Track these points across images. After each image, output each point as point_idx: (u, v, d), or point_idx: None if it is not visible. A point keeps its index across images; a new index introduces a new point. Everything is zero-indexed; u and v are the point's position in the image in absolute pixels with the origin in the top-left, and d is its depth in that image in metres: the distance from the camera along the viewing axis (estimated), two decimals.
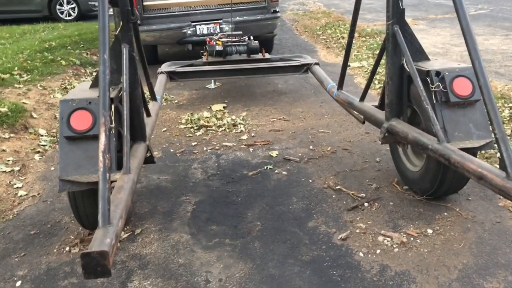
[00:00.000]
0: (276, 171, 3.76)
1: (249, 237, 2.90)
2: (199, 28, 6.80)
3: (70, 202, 2.78)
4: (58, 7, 13.84)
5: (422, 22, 10.29)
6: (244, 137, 4.50)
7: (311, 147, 4.19)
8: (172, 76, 5.15)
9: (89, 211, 2.76)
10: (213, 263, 2.68)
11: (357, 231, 2.90)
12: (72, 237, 3.00)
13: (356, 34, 9.22)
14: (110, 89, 2.79)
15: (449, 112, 2.75)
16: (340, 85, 4.16)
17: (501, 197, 3.15)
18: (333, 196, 3.33)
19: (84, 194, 2.68)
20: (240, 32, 5.72)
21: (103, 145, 1.98)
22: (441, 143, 2.57)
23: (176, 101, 5.82)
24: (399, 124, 3.04)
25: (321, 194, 3.36)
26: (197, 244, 2.86)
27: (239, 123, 4.83)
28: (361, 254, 2.68)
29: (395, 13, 2.96)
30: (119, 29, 2.78)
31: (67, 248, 2.89)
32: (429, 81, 2.81)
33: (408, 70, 2.96)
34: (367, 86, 3.67)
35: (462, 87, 2.74)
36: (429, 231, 2.86)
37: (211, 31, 6.81)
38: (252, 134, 4.55)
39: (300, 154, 4.04)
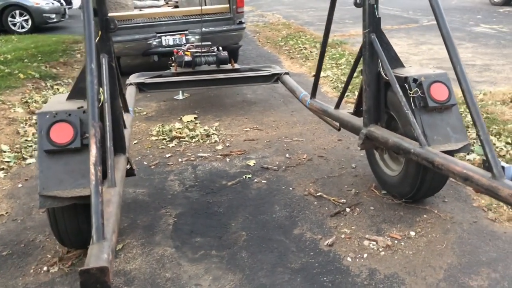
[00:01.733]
0: (255, 180, 3.75)
1: (235, 248, 2.87)
2: (165, 39, 6.74)
3: (49, 219, 2.65)
4: (10, 19, 13.33)
5: None
6: (219, 147, 4.47)
7: (287, 155, 4.21)
8: (141, 87, 5.06)
9: (69, 228, 2.65)
10: (201, 275, 2.62)
11: (342, 236, 2.93)
12: (50, 256, 2.87)
13: (318, 45, 9.42)
14: None
15: (428, 116, 2.83)
16: (313, 94, 4.21)
17: (477, 198, 3.29)
18: (315, 203, 3.35)
19: (65, 210, 2.58)
20: (209, 43, 5.71)
21: (94, 157, 1.91)
22: (423, 147, 2.64)
23: (145, 112, 5.72)
24: (378, 129, 3.11)
25: (303, 201, 3.37)
26: (183, 257, 2.79)
27: (213, 134, 4.79)
28: (349, 259, 2.71)
29: (372, 22, 3.03)
30: (97, 38, 2.71)
31: (45, 268, 2.75)
32: (407, 87, 2.89)
33: (385, 77, 3.04)
34: (342, 94, 3.74)
35: (439, 92, 2.83)
36: (412, 233, 2.93)
37: (177, 42, 6.76)
38: (227, 144, 4.53)
39: (277, 163, 4.05)
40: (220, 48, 5.71)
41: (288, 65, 8.12)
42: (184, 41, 6.76)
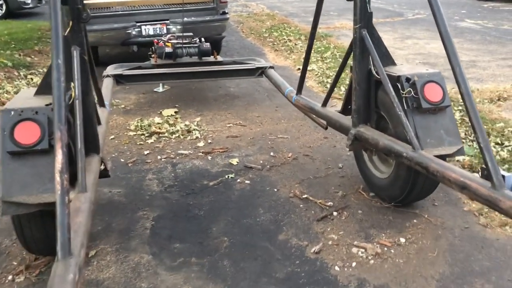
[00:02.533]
0: (238, 180, 3.58)
1: (217, 255, 2.70)
2: (145, 29, 6.48)
3: (14, 225, 2.44)
4: None
5: None
6: (201, 144, 4.28)
7: (271, 153, 4.04)
8: (119, 79, 4.82)
9: (36, 235, 2.44)
10: (180, 286, 2.45)
11: (330, 243, 2.78)
12: (15, 263, 2.66)
13: (303, 37, 9.26)
14: None
15: (421, 118, 2.69)
16: (299, 90, 4.05)
17: (468, 202, 3.18)
18: (301, 205, 3.19)
19: (30, 216, 2.37)
20: (191, 34, 5.48)
21: (61, 164, 1.71)
22: (416, 151, 2.50)
23: (123, 106, 5.48)
24: (368, 130, 2.96)
25: (288, 204, 3.22)
26: (160, 265, 2.62)
27: (194, 129, 4.60)
28: (337, 268, 2.56)
29: (363, 17, 2.87)
30: (68, 29, 2.49)
31: (10, 277, 2.55)
32: (399, 86, 2.74)
33: (376, 75, 2.89)
34: (330, 92, 3.59)
35: (433, 93, 2.69)
36: (402, 240, 2.80)
37: (158, 32, 6.51)
38: (209, 141, 4.34)
39: (261, 162, 3.88)
40: (203, 39, 5.50)
41: (272, 57, 7.93)
42: (165, 31, 6.52)
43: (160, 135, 4.50)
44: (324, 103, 3.62)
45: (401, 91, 2.72)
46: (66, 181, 1.69)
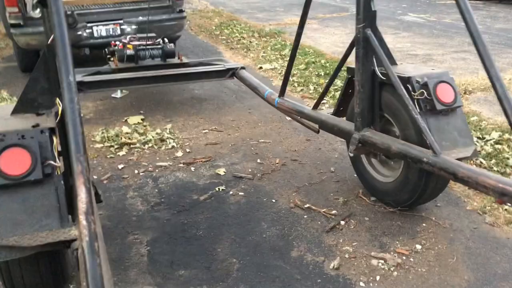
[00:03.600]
0: (231, 192, 3.34)
1: (230, 280, 2.46)
2: (97, 30, 6.00)
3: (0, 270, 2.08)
4: None
5: (314, 21, 10.47)
6: (179, 154, 3.98)
7: (258, 160, 3.83)
8: (79, 87, 4.38)
9: (29, 281, 2.09)
10: None
11: (346, 256, 2.63)
12: None
13: (256, 34, 9.08)
14: (45, 115, 2.19)
15: (434, 120, 2.60)
16: (282, 92, 3.87)
17: (469, 200, 3.15)
18: (305, 216, 3.02)
19: (22, 259, 2.02)
20: (154, 34, 5.12)
21: (85, 203, 1.41)
22: (438, 155, 2.40)
23: (82, 114, 5.03)
24: (375, 134, 2.84)
25: (291, 215, 3.03)
26: None
27: (168, 138, 4.28)
28: (362, 284, 2.42)
29: (367, 16, 2.74)
30: (51, 37, 2.14)
31: None
32: (410, 88, 2.63)
33: (381, 76, 2.77)
34: (323, 94, 3.44)
35: (445, 94, 2.61)
36: (418, 246, 2.70)
37: (111, 33, 6.06)
38: (187, 150, 4.05)
39: (250, 170, 3.66)
40: (166, 40, 5.16)
41: (229, 56, 7.68)
42: (118, 31, 6.08)
43: (131, 146, 4.15)
44: (316, 106, 3.47)
45: (413, 93, 2.61)
46: (94, 224, 1.40)
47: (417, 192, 2.81)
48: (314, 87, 5.67)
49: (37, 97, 2.23)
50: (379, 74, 2.78)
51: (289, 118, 4.70)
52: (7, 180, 1.88)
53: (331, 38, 8.61)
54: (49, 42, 2.15)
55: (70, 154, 1.52)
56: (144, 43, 4.88)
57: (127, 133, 4.39)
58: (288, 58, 7.09)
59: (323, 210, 3.06)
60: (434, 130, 2.57)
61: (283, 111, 3.90)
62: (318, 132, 3.51)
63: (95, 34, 6.01)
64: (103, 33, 6.05)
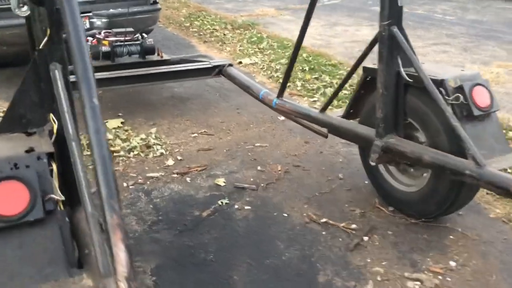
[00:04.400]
0: (236, 206, 3.03)
1: None
2: None
3: None
4: None
5: (286, 12, 10.20)
6: (170, 162, 3.62)
7: (258, 167, 3.53)
8: None
9: None
10: None
11: (379, 278, 2.38)
12: None
13: (229, 26, 8.71)
14: (37, 135, 1.81)
15: (471, 127, 2.38)
16: (281, 93, 3.58)
17: (490, 207, 2.97)
18: (323, 233, 2.75)
19: None
20: (132, 29, 4.69)
21: (126, 267, 1.09)
22: (482, 167, 2.18)
23: None
24: (402, 142, 2.60)
25: (308, 232, 2.76)
26: None
27: (154, 144, 3.91)
28: None
29: (393, 12, 2.48)
30: (44, 40, 1.76)
31: None
32: (443, 92, 2.40)
33: (407, 78, 2.53)
34: (334, 96, 3.17)
35: (482, 98, 2.39)
36: (452, 263, 2.49)
37: None
38: (178, 157, 3.69)
39: (251, 179, 3.36)
40: (145, 35, 4.75)
41: (204, 50, 7.29)
42: (87, 25, 5.58)
43: (115, 154, 3.74)
44: (324, 108, 3.19)
45: (446, 97, 2.38)
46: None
47: (446, 204, 2.60)
48: (302, 83, 5.40)
49: (26, 113, 1.84)
50: (405, 76, 2.54)
51: (282, 118, 4.43)
52: (1, 223, 1.50)
53: (307, 31, 8.33)
54: (41, 46, 1.76)
55: (81, 190, 1.19)
56: (121, 38, 4.45)
57: (108, 139, 3.97)
58: (268, 52, 6.84)
59: (342, 225, 2.80)
60: (471, 138, 2.34)
61: (283, 113, 3.62)
62: (326, 137, 3.25)
63: None
64: None
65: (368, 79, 2.91)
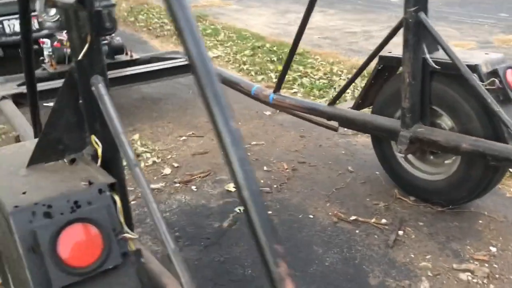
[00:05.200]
0: None
1: None
2: (8, 25, 4.94)
3: None
4: None
5: (231, 2, 9.96)
6: (167, 171, 3.34)
7: (264, 168, 3.35)
8: (18, 100, 3.50)
9: None
10: None
11: (430, 274, 2.31)
12: None
13: None
14: (82, 163, 1.54)
15: (507, 112, 2.34)
16: (278, 87, 3.42)
17: (504, 186, 3.01)
18: (356, 231, 2.64)
19: None
20: None
21: None
22: None
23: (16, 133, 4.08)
24: (433, 131, 2.53)
25: (341, 232, 2.63)
26: None
27: (143, 152, 3.60)
28: None
29: None
30: (85, 49, 1.47)
31: None
32: (477, 77, 2.34)
33: (434, 65, 2.46)
34: (344, 89, 3.04)
35: None
36: (492, 249, 2.48)
37: None
38: (175, 165, 3.42)
39: (262, 181, 3.17)
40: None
41: (158, 45, 6.93)
42: (36, 25, 5.06)
43: None
44: (333, 102, 3.07)
45: (481, 82, 2.33)
46: None
47: (479, 189, 2.58)
48: (276, 75, 5.24)
49: (62, 136, 1.54)
50: (432, 62, 2.46)
51: (268, 113, 4.28)
52: (74, 277, 1.23)
53: (259, 19, 8.19)
54: (80, 56, 1.47)
55: (158, 226, 0.97)
56: None
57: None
58: (228, 44, 6.62)
59: (372, 221, 2.70)
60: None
61: (282, 109, 3.46)
62: (337, 130, 3.13)
63: (7, 30, 4.95)
64: (17, 28, 4.98)
65: (381, 68, 2.82)
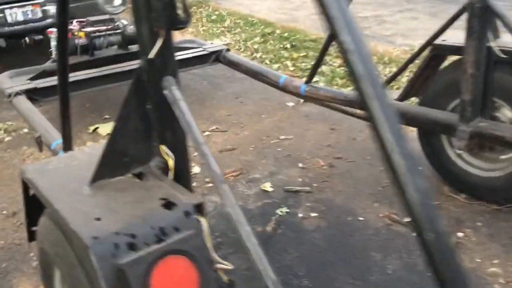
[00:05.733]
0: (300, 215, 2.65)
1: None
2: (10, 14, 4.63)
3: None
4: None
5: None
6: (196, 169, 3.12)
7: (299, 164, 3.15)
8: (34, 96, 3.25)
9: None
10: None
11: (502, 281, 2.15)
12: None
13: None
14: (153, 177, 1.33)
15: None
16: (311, 77, 3.21)
17: None
18: (412, 234, 2.46)
19: None
20: (108, 16, 4.00)
21: None
22: None
23: (26, 130, 3.83)
24: (498, 126, 2.35)
25: (397, 236, 2.45)
26: None
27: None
28: None
29: None
30: (158, 46, 1.25)
31: None
32: None
33: (501, 54, 2.27)
34: (391, 79, 2.84)
35: None
36: None
37: (30, 16, 4.72)
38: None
39: (299, 180, 2.98)
40: (124, 21, 4.09)
41: None
42: (39, 14, 4.77)
43: None
44: None
45: None
46: None
47: None
48: (292, 63, 5.02)
49: (127, 147, 1.33)
50: (498, 52, 2.27)
51: (291, 104, 4.08)
52: None
53: (264, 4, 7.91)
54: (153, 54, 1.24)
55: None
56: (101, 28, 3.79)
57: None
58: (236, 31, 6.36)
59: None
60: None
61: (315, 101, 3.24)
62: None
63: (9, 20, 4.64)
64: (20, 18, 4.69)
65: (433, 57, 2.62)
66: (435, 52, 2.58)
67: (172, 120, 1.31)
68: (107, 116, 3.96)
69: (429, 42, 2.56)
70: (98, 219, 1.11)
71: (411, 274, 2.20)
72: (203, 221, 1.19)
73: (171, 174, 1.34)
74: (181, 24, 1.28)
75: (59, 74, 1.96)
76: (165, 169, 1.37)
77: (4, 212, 2.81)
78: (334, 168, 3.10)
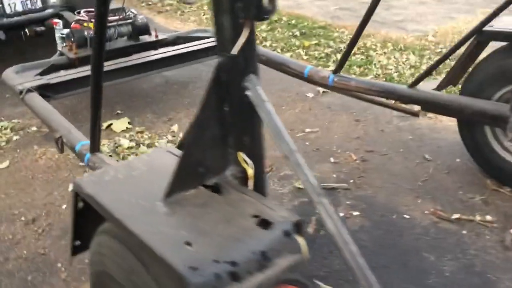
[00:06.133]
0: (341, 214, 2.50)
1: None
2: (9, 4, 4.38)
3: None
4: None
5: None
6: None
7: (331, 159, 3.00)
8: (46, 93, 3.05)
9: None
10: None
11: None
12: None
13: None
14: (230, 189, 1.18)
15: None
16: (340, 67, 3.05)
17: None
18: (463, 232, 2.34)
19: None
20: (120, 6, 3.78)
21: None
22: None
23: (35, 128, 3.62)
24: None
25: (447, 234, 2.33)
26: None
27: None
28: None
29: None
30: (242, 41, 1.08)
31: None
32: None
33: None
34: (432, 69, 2.68)
35: None
36: None
37: (29, 6, 4.48)
38: None
39: (333, 175, 2.84)
40: (134, 10, 3.89)
41: (164, 22, 6.41)
42: (39, 3, 4.53)
43: None
44: (415, 83, 2.71)
45: None
46: None
47: None
48: (305, 52, 4.85)
49: (203, 156, 1.16)
50: None
51: (310, 95, 3.93)
52: None
53: (315, 3, 7.55)
54: (237, 50, 1.07)
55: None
56: (113, 18, 3.57)
57: (129, 147, 3.19)
58: (277, 25, 6.13)
59: (478, 219, 2.40)
60: None
61: (344, 91, 3.08)
62: (418, 116, 2.79)
63: (8, 10, 4.40)
64: (18, 8, 4.45)
65: (477, 45, 2.47)
66: (481, 38, 2.43)
67: (251, 124, 1.15)
68: (119, 111, 3.77)
69: (477, 29, 2.40)
70: (189, 243, 0.95)
71: (471, 276, 2.07)
72: (302, 242, 1.04)
73: (250, 184, 1.19)
74: (266, 14, 1.12)
75: (93, 72, 1.79)
76: (242, 178, 1.21)
77: (23, 218, 2.63)
78: (368, 163, 2.96)
